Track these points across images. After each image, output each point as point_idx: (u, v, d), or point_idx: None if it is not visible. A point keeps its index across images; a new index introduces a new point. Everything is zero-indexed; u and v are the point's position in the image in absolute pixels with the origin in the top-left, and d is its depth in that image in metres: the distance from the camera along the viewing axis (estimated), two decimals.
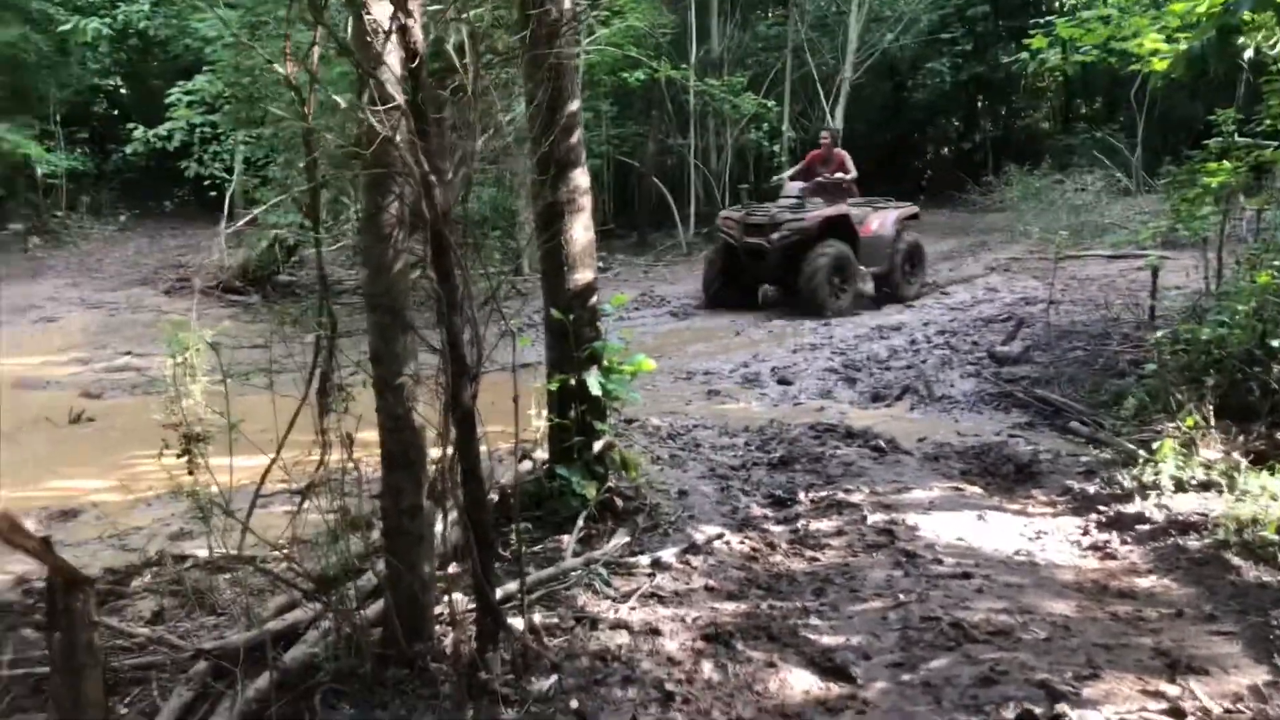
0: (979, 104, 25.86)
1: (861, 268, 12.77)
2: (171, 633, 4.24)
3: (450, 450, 3.45)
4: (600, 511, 4.99)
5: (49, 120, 17.37)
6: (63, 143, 17.50)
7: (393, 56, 3.21)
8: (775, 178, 13.87)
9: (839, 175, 13.10)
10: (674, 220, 18.22)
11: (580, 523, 4.85)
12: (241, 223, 11.25)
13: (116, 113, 17.45)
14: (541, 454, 5.42)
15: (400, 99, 3.06)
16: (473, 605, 3.65)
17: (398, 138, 3.06)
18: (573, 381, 4.95)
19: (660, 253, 17.74)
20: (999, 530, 5.10)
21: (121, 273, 15.05)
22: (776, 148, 17.81)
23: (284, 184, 9.33)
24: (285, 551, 3.78)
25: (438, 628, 3.72)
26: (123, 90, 17.38)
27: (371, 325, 3.49)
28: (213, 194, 14.09)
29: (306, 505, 3.85)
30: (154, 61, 18.23)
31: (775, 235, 12.34)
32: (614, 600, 4.25)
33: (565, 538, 4.77)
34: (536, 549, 4.67)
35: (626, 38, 14.44)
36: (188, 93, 13.10)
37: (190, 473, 4.73)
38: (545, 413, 5.19)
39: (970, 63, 21.99)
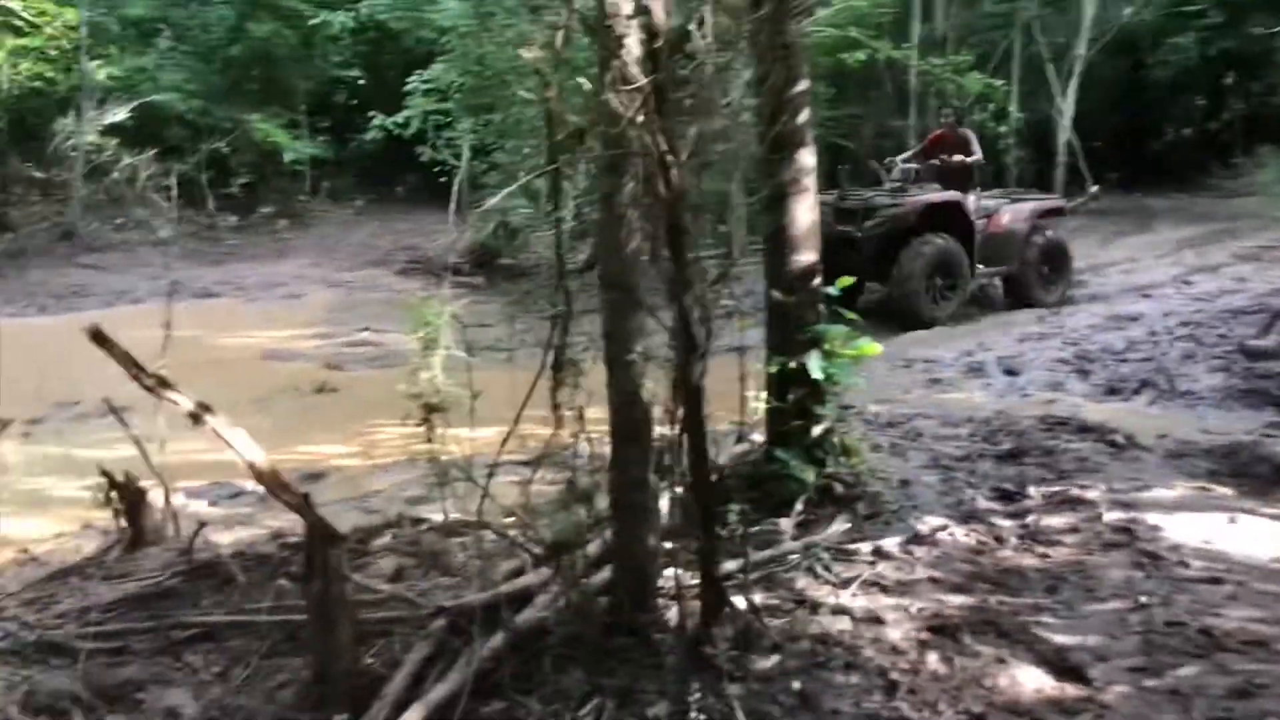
0: (1228, 81, 23.97)
1: (980, 267, 11.16)
2: (409, 590, 4.50)
3: (678, 427, 3.50)
4: (819, 496, 4.95)
5: (295, 110, 18.63)
6: (307, 131, 18.73)
7: (632, 38, 3.27)
8: (887, 160, 12.24)
9: (959, 158, 11.45)
10: None
11: (799, 506, 4.83)
12: (485, 205, 11.70)
13: (355, 102, 18.51)
14: (758, 436, 5.42)
15: (642, 80, 3.11)
16: (695, 580, 3.70)
17: (639, 119, 3.12)
18: (793, 364, 4.92)
19: None
20: (1253, 534, 4.74)
21: (357, 254, 16.00)
22: (1003, 129, 17.09)
23: (511, 169, 9.68)
24: (518, 518, 3.93)
25: (660, 600, 3.80)
26: (361, 81, 18.42)
27: (604, 304, 3.58)
28: (442, 180, 14.79)
29: (538, 475, 4.01)
30: (388, 54, 19.23)
31: (869, 223, 10.89)
32: (834, 586, 4.21)
33: (782, 521, 4.76)
34: (753, 531, 4.68)
35: (848, 18, 14.19)
36: (425, 81, 13.82)
37: (428, 441, 5.01)
38: (764, 395, 5.18)
39: (1220, 36, 20.38)
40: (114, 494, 4.97)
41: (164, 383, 3.06)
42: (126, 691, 3.85)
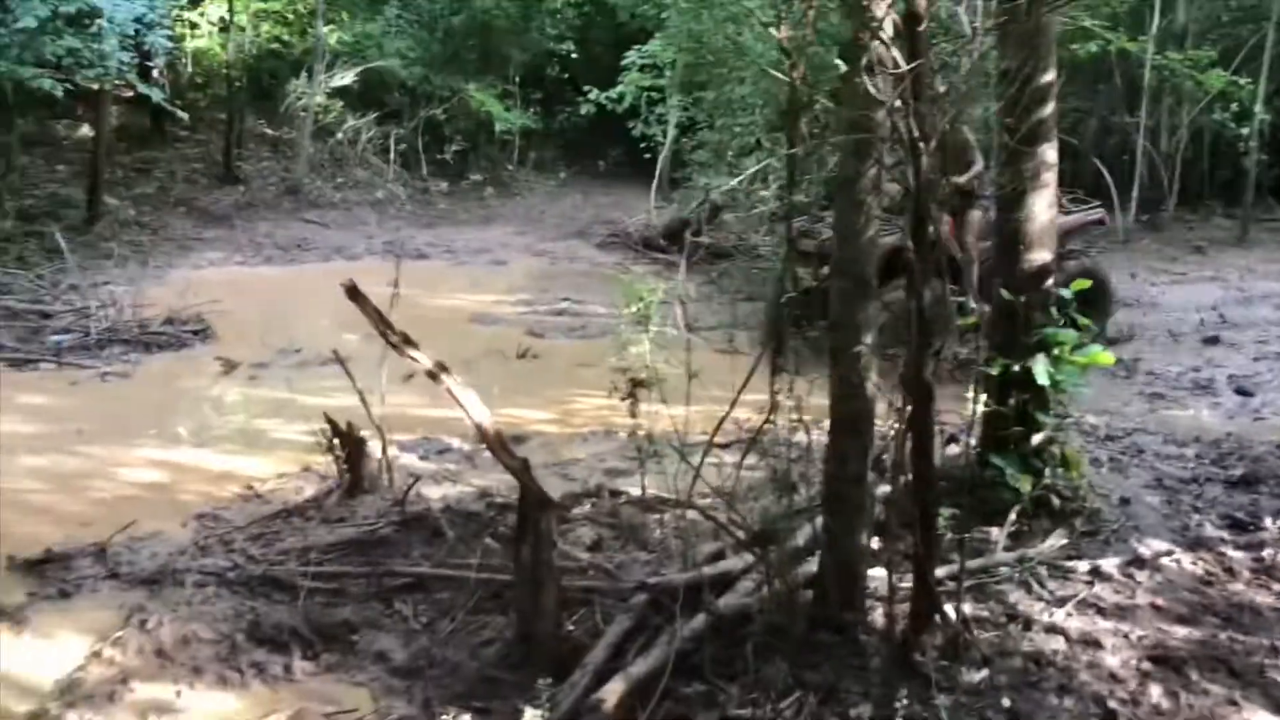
0: None
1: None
2: (607, 562, 4.55)
3: (903, 424, 3.39)
4: (1033, 508, 4.73)
5: (509, 81, 19.09)
6: (519, 102, 19.18)
7: (889, 19, 3.16)
8: None
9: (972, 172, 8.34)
10: (1112, 203, 16.83)
11: (1012, 516, 4.62)
12: (692, 183, 11.62)
13: (566, 76, 18.82)
14: (970, 440, 5.21)
15: (899, 62, 3.00)
16: (905, 584, 3.59)
17: (894, 103, 3.01)
18: (1016, 368, 4.70)
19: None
20: None
21: (560, 225, 16.29)
22: (1244, 130, 15.87)
23: (721, 148, 9.62)
24: (723, 501, 3.90)
25: (867, 601, 3.71)
26: (573, 55, 18.70)
27: (835, 291, 3.50)
28: (647, 156, 14.86)
29: (746, 460, 3.97)
30: (601, 28, 19.45)
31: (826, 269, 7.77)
32: (1048, 603, 4.01)
33: (994, 530, 4.57)
34: (963, 538, 4.51)
35: (1084, 9, 13.42)
36: (643, 56, 13.90)
37: (633, 415, 5.05)
38: (982, 397, 4.97)
39: None
40: (336, 441, 5.21)
41: (407, 340, 3.16)
42: (341, 632, 4.05)
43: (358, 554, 4.63)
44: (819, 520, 4.06)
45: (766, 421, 3.77)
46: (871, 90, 3.02)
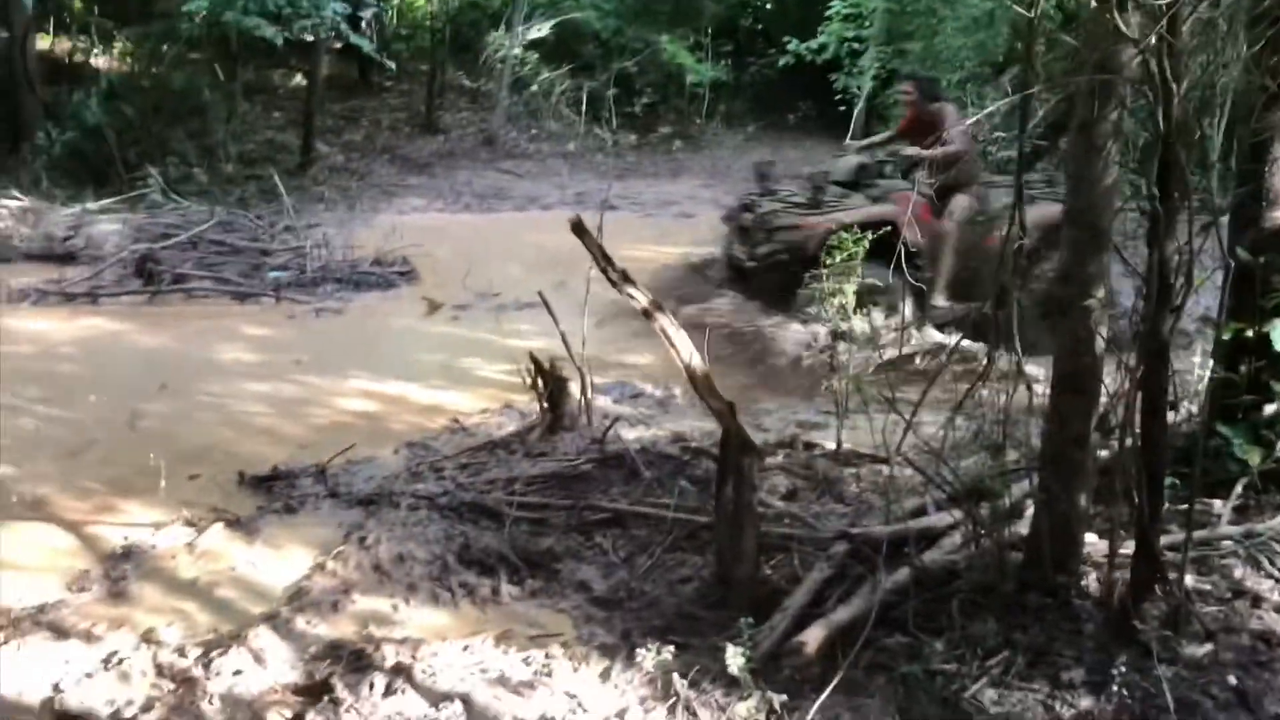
0: None
1: (942, 303, 7.37)
2: (803, 512, 4.54)
3: (1134, 384, 3.23)
4: (1262, 483, 4.44)
5: (701, 33, 19.02)
6: (709, 54, 19.08)
7: None
8: (844, 143, 8.73)
9: (946, 149, 7.13)
10: None
11: (1238, 490, 4.36)
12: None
13: (760, 27, 18.62)
14: (1192, 407, 4.93)
15: None
16: (1124, 550, 3.44)
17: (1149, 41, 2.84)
18: (1250, 333, 4.41)
19: None
20: None
21: (747, 178, 16.14)
22: None
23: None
24: (935, 455, 3.82)
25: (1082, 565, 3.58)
26: (768, 5, 18.46)
27: (1067, 241, 3.35)
28: (842, 109, 14.57)
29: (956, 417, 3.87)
30: None
31: (761, 249, 7.56)
32: (1278, 581, 3.77)
33: (1216, 503, 4.31)
34: (1190, 506, 4.28)
35: None
36: (847, 5, 13.63)
37: (831, 369, 5.00)
38: (1209, 363, 4.69)
39: None
40: (539, 379, 5.36)
41: (627, 277, 3.21)
42: (545, 560, 4.18)
43: (559, 487, 4.77)
44: (1029, 480, 3.95)
45: (981, 376, 3.67)
46: (1121, 27, 2.85)
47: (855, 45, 14.08)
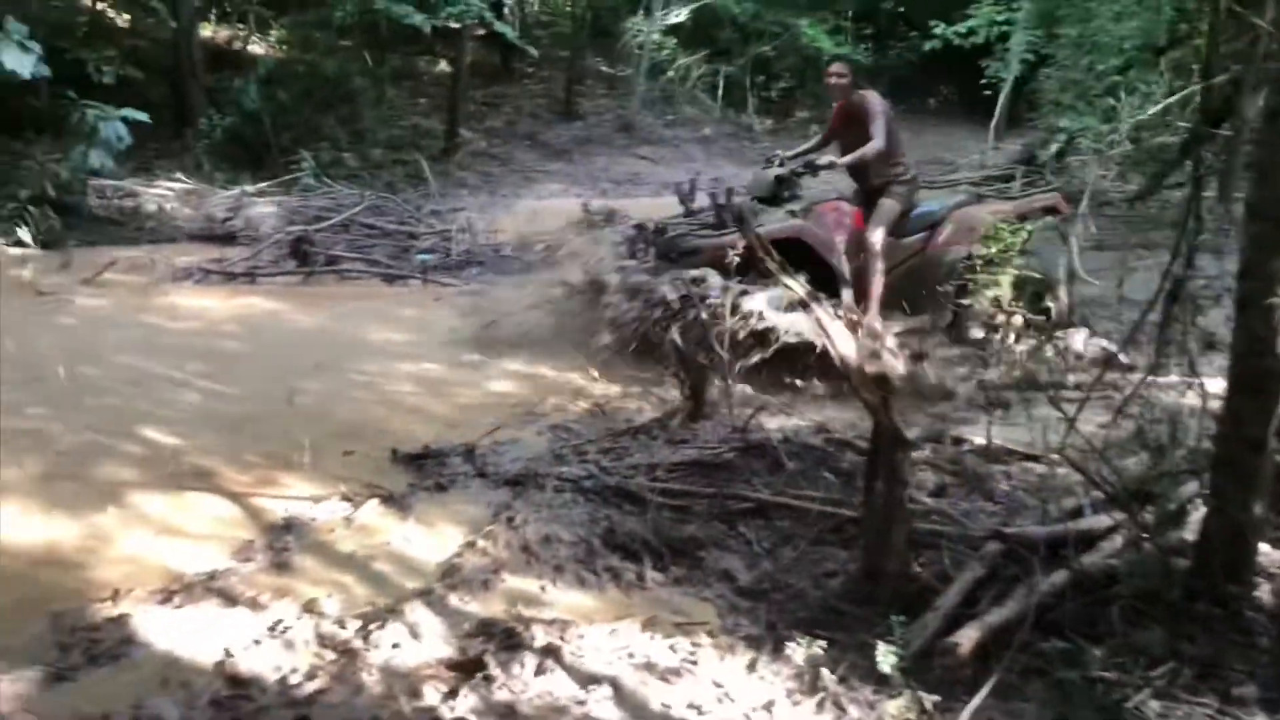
0: None
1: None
2: (952, 509, 4.44)
3: None
4: None
5: (841, 16, 18.75)
6: (849, 38, 18.79)
7: None
8: (772, 154, 7.36)
9: (870, 148, 6.60)
10: None
11: None
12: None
13: (901, 10, 18.26)
14: None
15: None
16: None
17: None
18: None
19: None
20: None
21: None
22: None
23: (1085, 87, 8.99)
24: (1098, 455, 3.69)
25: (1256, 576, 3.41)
26: None
27: (1248, 235, 3.19)
28: (987, 93, 14.17)
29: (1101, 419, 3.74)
30: None
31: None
32: None
33: None
34: None
35: None
36: None
37: (984, 364, 4.87)
38: None
39: None
40: (681, 367, 5.38)
41: (784, 267, 3.19)
42: (689, 547, 4.19)
43: (701, 475, 4.78)
44: (1193, 485, 3.79)
45: (1147, 374, 3.53)
46: None
47: (1006, 29, 13.67)
